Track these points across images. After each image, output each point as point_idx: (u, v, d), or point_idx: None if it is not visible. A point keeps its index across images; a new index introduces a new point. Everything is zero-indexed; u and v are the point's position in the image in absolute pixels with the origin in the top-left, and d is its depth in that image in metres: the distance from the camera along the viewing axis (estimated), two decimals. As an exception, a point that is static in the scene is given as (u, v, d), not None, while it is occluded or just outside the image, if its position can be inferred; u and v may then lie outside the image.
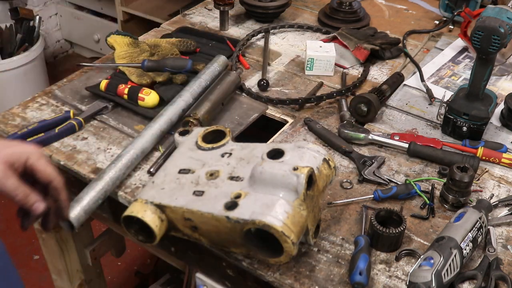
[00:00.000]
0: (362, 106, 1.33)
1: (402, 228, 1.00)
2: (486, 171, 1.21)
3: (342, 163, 1.22)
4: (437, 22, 1.80)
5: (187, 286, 1.38)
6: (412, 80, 1.51)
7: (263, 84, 1.44)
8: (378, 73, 1.56)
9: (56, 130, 1.24)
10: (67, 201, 0.89)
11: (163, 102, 1.32)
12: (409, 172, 1.21)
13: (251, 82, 1.49)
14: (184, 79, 1.40)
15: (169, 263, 1.39)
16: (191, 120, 1.25)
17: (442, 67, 1.59)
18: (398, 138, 1.27)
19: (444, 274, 0.91)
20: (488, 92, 1.30)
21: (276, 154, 0.99)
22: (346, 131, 1.27)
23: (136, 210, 0.97)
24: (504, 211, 1.11)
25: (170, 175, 1.04)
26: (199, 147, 1.10)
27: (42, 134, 1.22)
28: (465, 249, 0.96)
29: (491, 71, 1.23)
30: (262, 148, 1.02)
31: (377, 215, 1.02)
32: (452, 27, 1.78)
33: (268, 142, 1.27)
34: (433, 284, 0.89)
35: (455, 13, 1.71)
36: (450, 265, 0.92)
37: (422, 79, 1.50)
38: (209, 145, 1.09)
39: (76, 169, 1.17)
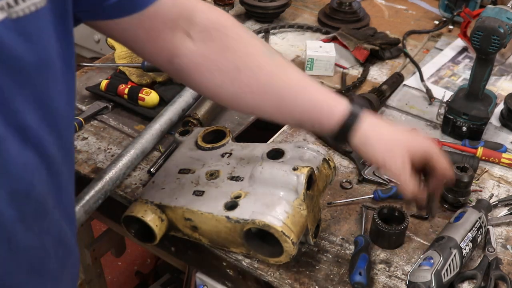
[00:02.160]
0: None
1: (405, 225, 1.00)
2: (486, 171, 1.21)
3: (342, 163, 1.22)
4: (436, 22, 1.80)
5: (187, 286, 1.38)
6: (411, 80, 1.52)
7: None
8: (378, 73, 1.56)
9: (57, 130, 1.24)
10: (439, 196, 0.91)
11: (163, 102, 1.32)
12: (409, 172, 1.21)
13: (251, 82, 1.49)
14: (184, 79, 1.40)
15: (169, 263, 1.39)
16: (191, 120, 1.25)
17: (442, 67, 1.59)
18: (398, 138, 1.27)
19: (444, 274, 0.91)
20: (488, 92, 1.30)
21: (276, 154, 0.99)
22: (346, 131, 1.27)
23: (136, 210, 0.97)
24: (503, 211, 1.11)
25: (170, 175, 1.04)
26: (199, 147, 1.10)
27: (43, 134, 1.22)
28: (465, 249, 0.96)
29: (490, 71, 1.23)
30: (262, 148, 1.02)
31: (380, 212, 1.03)
32: (451, 27, 1.78)
33: (268, 142, 1.27)
34: (433, 284, 0.90)
35: (455, 13, 1.71)
36: (449, 265, 0.92)
37: (422, 79, 1.50)
38: (209, 145, 1.09)
39: (76, 168, 1.17)
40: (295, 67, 0.90)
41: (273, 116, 0.89)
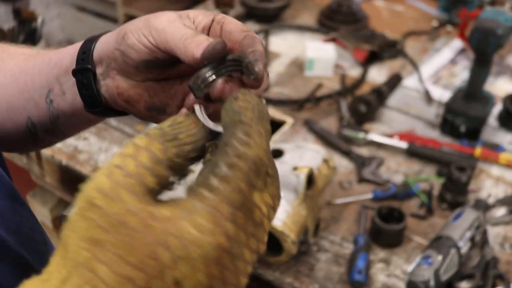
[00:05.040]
0: (361, 106, 1.34)
1: (404, 224, 1.01)
2: (484, 171, 1.22)
3: (341, 163, 1.23)
4: (435, 23, 1.81)
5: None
6: (410, 81, 1.53)
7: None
8: (377, 74, 1.57)
9: (58, 130, 1.25)
10: (264, 54, 0.50)
11: (164, 103, 1.33)
12: (407, 172, 1.22)
13: (251, 83, 1.49)
14: (185, 80, 1.41)
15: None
16: (192, 120, 1.26)
17: (441, 67, 1.60)
18: (397, 138, 1.28)
19: (442, 273, 0.92)
20: (486, 92, 1.31)
21: (276, 154, 1.00)
22: (345, 132, 1.29)
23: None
24: (501, 211, 1.12)
25: (171, 175, 1.05)
26: (200, 147, 1.10)
27: (44, 134, 1.23)
28: (463, 248, 0.97)
29: (488, 71, 1.24)
30: (262, 148, 1.03)
31: (379, 211, 1.04)
32: (450, 28, 1.79)
33: (268, 142, 1.27)
34: (431, 283, 0.91)
35: (453, 15, 1.72)
36: (448, 264, 0.93)
37: (421, 80, 1.51)
38: (210, 145, 1.10)
39: (78, 168, 1.18)
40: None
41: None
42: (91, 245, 0.36)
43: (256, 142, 0.40)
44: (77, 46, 0.58)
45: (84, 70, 0.55)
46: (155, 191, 0.39)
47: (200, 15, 0.53)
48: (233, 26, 0.51)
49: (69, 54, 0.58)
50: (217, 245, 0.37)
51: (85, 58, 0.56)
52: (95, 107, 0.57)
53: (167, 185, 0.40)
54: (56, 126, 0.62)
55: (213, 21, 0.53)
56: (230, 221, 0.38)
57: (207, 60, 0.47)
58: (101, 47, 0.55)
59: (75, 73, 0.56)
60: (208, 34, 0.53)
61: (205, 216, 0.37)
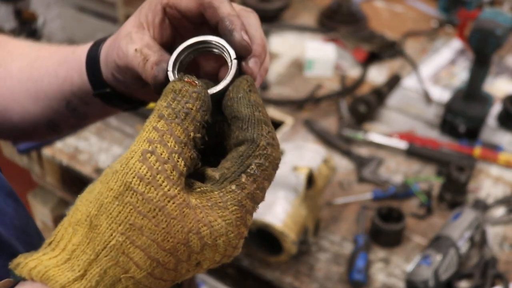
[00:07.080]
0: (361, 106, 1.34)
1: (403, 223, 1.01)
2: (483, 171, 1.23)
3: (341, 163, 1.24)
4: (435, 23, 1.82)
5: (187, 286, 1.39)
6: (410, 81, 1.53)
7: (263, 85, 1.46)
8: (377, 74, 1.57)
9: (59, 130, 1.25)
10: (242, 23, 0.47)
11: (164, 103, 1.33)
12: (407, 172, 1.22)
13: (251, 83, 1.50)
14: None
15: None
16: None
17: (440, 68, 1.61)
18: (396, 139, 1.28)
19: (442, 273, 0.93)
20: (485, 93, 1.32)
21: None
22: (345, 132, 1.29)
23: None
24: (500, 211, 1.13)
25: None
26: (200, 148, 1.11)
27: (45, 134, 1.24)
28: (462, 248, 0.97)
29: (488, 72, 1.24)
30: (262, 149, 1.03)
31: (378, 211, 1.04)
32: (450, 28, 1.80)
33: (268, 142, 1.28)
34: (431, 282, 0.91)
35: (453, 15, 1.73)
36: (447, 263, 0.94)
37: (420, 80, 1.52)
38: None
39: (78, 168, 1.18)
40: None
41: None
42: (127, 229, 0.38)
43: (277, 143, 0.44)
44: (80, 59, 0.59)
45: (104, 93, 0.58)
46: (185, 174, 0.40)
47: (150, 14, 0.51)
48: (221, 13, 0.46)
49: (76, 71, 0.59)
50: (238, 234, 0.42)
51: (98, 82, 0.57)
52: (129, 108, 0.60)
53: (194, 165, 0.42)
54: (82, 122, 0.64)
55: (164, 10, 0.49)
56: (250, 214, 0.43)
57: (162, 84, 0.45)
58: (105, 73, 0.56)
59: (96, 96, 0.58)
60: (159, 26, 0.51)
61: (232, 209, 0.41)
